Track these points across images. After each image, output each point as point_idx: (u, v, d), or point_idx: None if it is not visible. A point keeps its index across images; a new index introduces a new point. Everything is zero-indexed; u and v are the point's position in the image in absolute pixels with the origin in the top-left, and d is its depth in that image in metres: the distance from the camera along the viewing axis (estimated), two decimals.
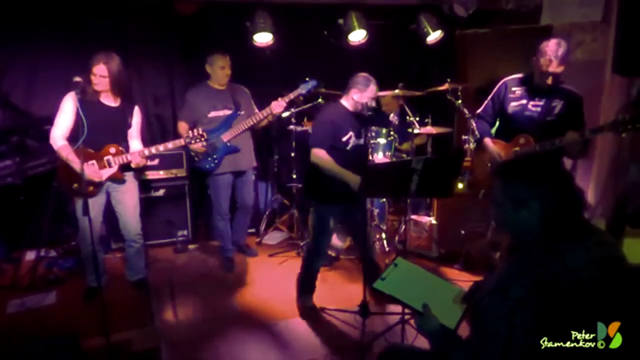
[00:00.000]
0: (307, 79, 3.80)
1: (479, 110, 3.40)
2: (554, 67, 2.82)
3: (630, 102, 3.49)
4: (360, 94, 3.01)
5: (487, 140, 3.24)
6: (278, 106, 3.72)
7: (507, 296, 1.31)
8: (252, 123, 3.78)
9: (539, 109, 2.97)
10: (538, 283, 1.30)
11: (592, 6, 3.68)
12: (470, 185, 3.59)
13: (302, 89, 3.77)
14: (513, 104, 3.07)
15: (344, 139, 3.02)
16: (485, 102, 3.33)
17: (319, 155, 3.02)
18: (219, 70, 3.71)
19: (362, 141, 3.12)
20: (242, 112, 3.81)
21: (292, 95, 3.78)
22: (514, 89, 3.09)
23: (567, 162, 3.75)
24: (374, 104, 3.07)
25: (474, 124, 3.54)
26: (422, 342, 2.85)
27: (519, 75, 3.10)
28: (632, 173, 3.56)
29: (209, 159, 3.73)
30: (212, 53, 3.73)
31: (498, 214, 1.49)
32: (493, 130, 3.34)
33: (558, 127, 2.88)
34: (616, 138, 3.64)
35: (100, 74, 3.10)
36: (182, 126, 3.74)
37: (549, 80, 2.88)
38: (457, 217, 4.01)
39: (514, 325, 1.29)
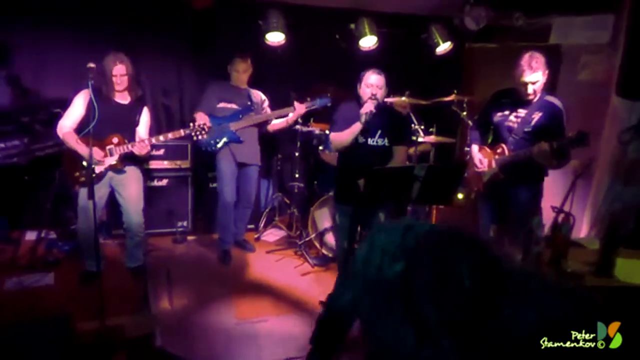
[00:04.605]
0: (323, 95, 4.01)
1: (474, 119, 3.54)
2: (529, 77, 2.89)
3: (631, 126, 3.55)
4: (358, 86, 3.04)
5: (473, 147, 3.36)
6: (301, 107, 3.92)
7: None
8: (266, 118, 3.98)
9: (519, 119, 3.06)
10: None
11: (600, 29, 3.74)
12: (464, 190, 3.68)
13: (317, 104, 3.99)
14: (498, 114, 3.18)
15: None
16: (480, 112, 3.46)
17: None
18: (234, 72, 3.94)
19: (375, 142, 3.08)
20: (253, 113, 3.94)
21: (308, 105, 3.97)
22: (501, 100, 3.19)
23: (566, 182, 3.80)
24: (377, 93, 2.95)
25: (469, 132, 3.63)
26: None
27: (508, 88, 3.18)
28: (625, 196, 3.62)
29: (212, 141, 3.87)
30: (235, 55, 3.93)
31: None
32: (490, 139, 3.42)
33: (536, 138, 2.95)
34: (614, 160, 3.70)
35: (121, 73, 3.23)
36: (199, 116, 3.83)
37: (529, 91, 2.94)
38: None
39: None
